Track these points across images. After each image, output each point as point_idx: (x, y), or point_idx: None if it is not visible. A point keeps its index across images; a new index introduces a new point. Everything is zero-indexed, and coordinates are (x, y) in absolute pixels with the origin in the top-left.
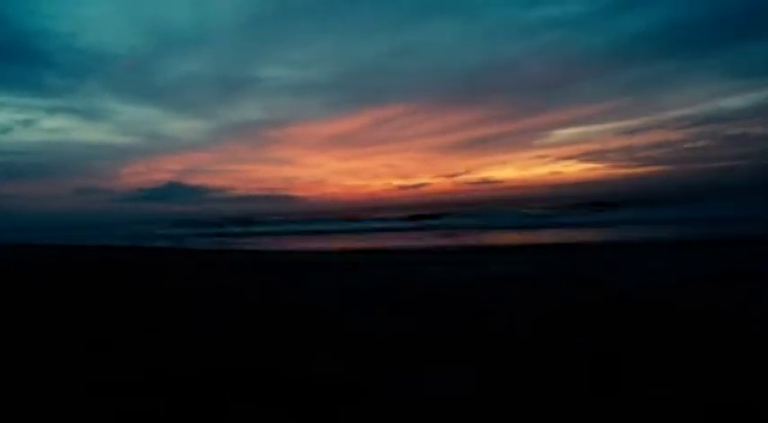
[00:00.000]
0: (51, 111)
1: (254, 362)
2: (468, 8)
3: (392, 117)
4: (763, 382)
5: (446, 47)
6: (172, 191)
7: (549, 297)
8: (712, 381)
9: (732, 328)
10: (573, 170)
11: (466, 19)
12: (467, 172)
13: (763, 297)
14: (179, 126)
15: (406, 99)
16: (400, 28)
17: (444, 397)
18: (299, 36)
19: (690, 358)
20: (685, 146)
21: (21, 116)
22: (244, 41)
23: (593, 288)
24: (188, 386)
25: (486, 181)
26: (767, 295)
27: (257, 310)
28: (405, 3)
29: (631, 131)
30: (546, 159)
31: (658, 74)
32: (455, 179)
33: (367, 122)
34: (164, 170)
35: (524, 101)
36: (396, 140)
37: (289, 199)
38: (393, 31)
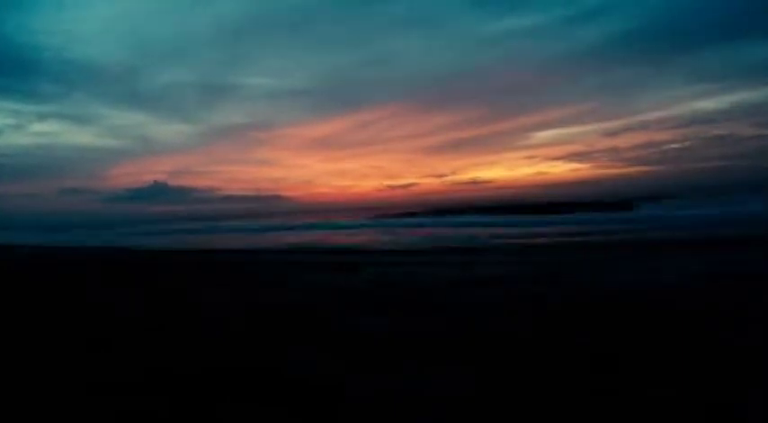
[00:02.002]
0: (42, 116)
1: (254, 362)
2: (434, 20)
3: (372, 121)
4: (762, 382)
5: (418, 55)
6: (158, 191)
7: (548, 297)
8: (711, 381)
9: (731, 328)
10: (559, 171)
11: (433, 30)
12: (453, 173)
13: (761, 297)
14: (165, 129)
15: (383, 104)
16: (372, 39)
17: (444, 397)
18: (275, 47)
19: (689, 358)
20: (672, 146)
21: (11, 120)
22: (224, 52)
23: (591, 288)
24: (188, 386)
25: (474, 181)
26: (764, 295)
27: (257, 310)
28: (375, 16)
29: (613, 133)
30: (531, 160)
31: (630, 78)
32: (443, 180)
33: (347, 126)
34: (151, 171)
35: (500, 104)
36: (377, 143)
37: (277, 199)
38: (366, 42)
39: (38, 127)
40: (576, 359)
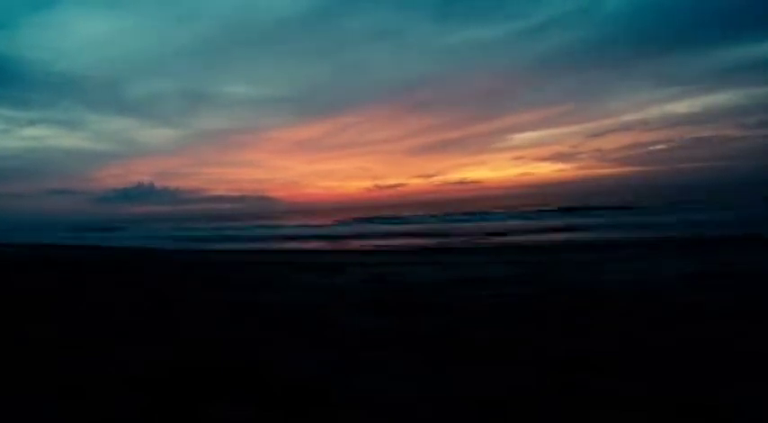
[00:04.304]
0: (31, 121)
1: (240, 362)
2: (401, 32)
3: (351, 124)
4: (741, 382)
5: (389, 64)
6: (144, 192)
7: (531, 298)
8: (692, 382)
9: (705, 328)
10: (544, 171)
11: (401, 40)
12: (437, 173)
13: (744, 297)
14: (150, 134)
15: (360, 108)
16: (345, 49)
17: (429, 397)
18: (253, 58)
19: (672, 361)
20: (657, 147)
21: (1, 125)
22: (203, 63)
23: (565, 289)
24: (164, 388)
25: (462, 182)
26: (746, 295)
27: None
28: (346, 28)
29: (593, 135)
30: (515, 161)
31: (597, 82)
32: (432, 180)
33: (328, 129)
34: (137, 173)
35: (474, 109)
36: (359, 145)
37: (264, 199)
38: (338, 52)
39: (27, 132)
40: (552, 360)
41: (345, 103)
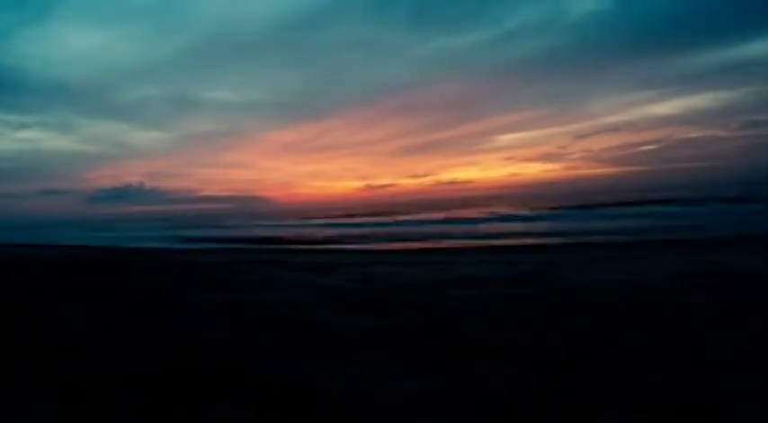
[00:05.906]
0: (25, 125)
1: (234, 363)
2: (379, 40)
3: (336, 127)
4: (732, 381)
5: (369, 70)
6: (135, 192)
7: (530, 298)
8: (682, 381)
9: (704, 328)
10: (533, 172)
11: (379, 49)
12: (425, 174)
13: (736, 296)
14: (140, 136)
15: (343, 113)
16: (325, 57)
17: (420, 397)
18: (237, 67)
19: (662, 359)
20: (640, 149)
21: None
22: (189, 71)
23: (563, 288)
24: (164, 388)
25: (453, 182)
26: (740, 295)
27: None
28: (324, 37)
29: (580, 136)
30: (503, 162)
31: (575, 86)
32: (422, 180)
33: (314, 132)
34: (127, 174)
35: (456, 112)
36: (345, 147)
37: (255, 199)
38: (319, 60)
39: (21, 134)
40: (545, 361)
41: (328, 107)
